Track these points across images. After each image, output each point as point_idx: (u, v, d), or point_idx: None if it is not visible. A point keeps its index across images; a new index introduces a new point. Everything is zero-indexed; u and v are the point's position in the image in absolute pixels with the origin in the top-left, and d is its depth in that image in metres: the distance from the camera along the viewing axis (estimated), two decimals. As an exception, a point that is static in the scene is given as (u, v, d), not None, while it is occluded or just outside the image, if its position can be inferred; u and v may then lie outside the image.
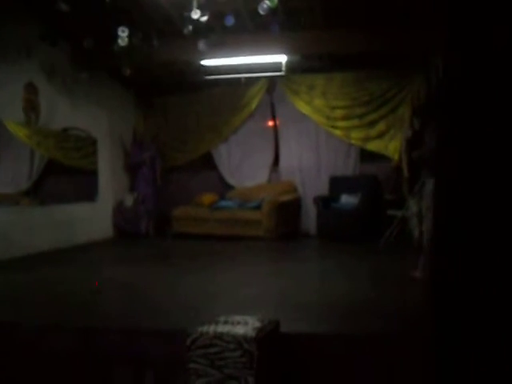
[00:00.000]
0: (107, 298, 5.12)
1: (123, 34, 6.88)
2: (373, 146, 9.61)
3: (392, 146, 9.39)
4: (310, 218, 9.82)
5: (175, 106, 10.84)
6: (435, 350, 2.76)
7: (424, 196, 7.45)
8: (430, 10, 5.62)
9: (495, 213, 2.55)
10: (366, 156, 9.84)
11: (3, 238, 7.19)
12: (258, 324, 3.27)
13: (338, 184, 9.48)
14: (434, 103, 8.26)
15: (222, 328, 3.21)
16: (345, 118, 9.75)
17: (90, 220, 9.38)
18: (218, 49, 7.84)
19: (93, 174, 9.58)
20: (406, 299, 4.67)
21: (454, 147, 2.66)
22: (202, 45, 7.46)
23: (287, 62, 8.87)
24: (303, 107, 9.95)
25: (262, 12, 6.56)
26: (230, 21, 7.15)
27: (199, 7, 6.40)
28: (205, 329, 3.22)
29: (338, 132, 9.77)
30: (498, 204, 2.54)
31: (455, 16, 2.64)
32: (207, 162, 10.83)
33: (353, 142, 9.73)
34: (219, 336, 3.15)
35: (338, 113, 9.76)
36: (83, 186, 9.52)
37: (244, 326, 3.24)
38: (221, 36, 7.75)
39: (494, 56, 2.55)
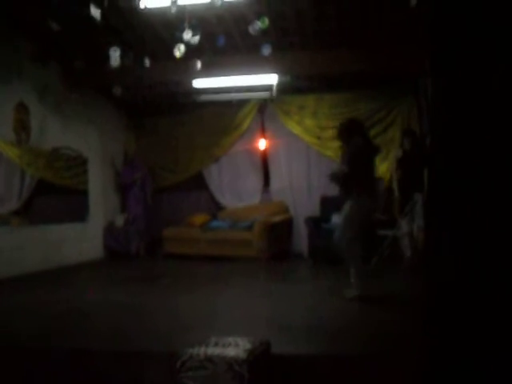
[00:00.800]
0: (98, 319, 5.07)
1: (115, 54, 6.89)
2: (364, 167, 9.64)
3: (383, 167, 9.42)
4: (301, 238, 9.80)
5: (166, 127, 10.85)
6: (426, 370, 2.75)
7: (415, 216, 7.50)
8: (419, 31, 5.68)
9: (488, 229, 2.55)
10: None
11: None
12: (249, 345, 3.23)
13: (329, 204, 9.47)
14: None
15: (212, 350, 3.17)
16: (336, 138, 9.77)
17: (81, 240, 9.32)
18: (209, 69, 7.87)
19: (83, 194, 9.55)
20: (396, 319, 4.65)
21: (444, 165, 2.67)
22: (193, 65, 7.49)
23: (278, 83, 8.93)
24: (294, 127, 9.99)
25: (253, 33, 6.60)
26: (221, 41, 7.19)
27: (191, 28, 6.43)
28: (195, 351, 3.17)
29: (328, 152, 9.80)
30: (491, 220, 2.55)
31: (438, 38, 2.67)
32: (198, 182, 10.81)
33: (344, 162, 9.75)
34: (210, 358, 3.11)
35: (329, 133, 9.79)
36: (74, 205, 9.47)
37: (235, 347, 3.20)
38: (212, 57, 7.80)
39: (479, 77, 2.57)
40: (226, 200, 10.61)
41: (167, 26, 7.28)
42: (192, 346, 3.23)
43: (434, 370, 2.67)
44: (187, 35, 6.44)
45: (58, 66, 8.61)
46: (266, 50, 7.30)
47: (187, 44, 6.59)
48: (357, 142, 5.70)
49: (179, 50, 6.70)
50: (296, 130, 9.98)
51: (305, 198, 10.05)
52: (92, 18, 5.87)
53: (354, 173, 5.55)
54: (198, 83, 8.82)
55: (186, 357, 3.16)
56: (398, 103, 9.46)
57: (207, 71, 7.94)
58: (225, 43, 7.31)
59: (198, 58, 7.46)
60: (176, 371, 3.17)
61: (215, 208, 10.65)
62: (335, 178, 5.85)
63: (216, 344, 3.26)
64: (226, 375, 3.06)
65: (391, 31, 7.37)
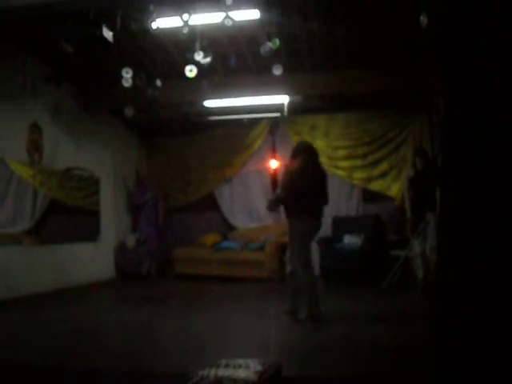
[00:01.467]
0: (109, 340, 5.05)
1: (127, 75, 6.94)
2: (375, 186, 9.60)
3: (395, 186, 9.38)
4: (313, 258, 9.73)
5: (178, 147, 10.88)
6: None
7: (428, 236, 7.44)
8: (431, 50, 5.68)
9: (501, 250, 2.52)
10: (368, 196, 9.81)
11: (5, 277, 7.14)
12: (259, 367, 3.19)
13: (341, 224, 9.44)
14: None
15: (223, 372, 3.13)
16: (347, 158, 9.77)
17: (92, 260, 9.32)
18: (220, 90, 7.91)
19: (95, 214, 9.57)
20: (408, 340, 4.59)
21: (456, 185, 2.65)
22: (204, 86, 7.55)
23: (289, 103, 8.94)
24: (305, 147, 9.97)
25: (264, 54, 6.63)
26: (232, 61, 7.23)
27: (202, 49, 6.47)
28: (205, 372, 3.14)
29: (340, 172, 9.76)
30: (504, 241, 2.52)
31: (449, 56, 2.67)
32: (210, 203, 10.80)
33: (355, 182, 9.72)
34: (220, 380, 3.07)
35: (341, 153, 9.78)
36: (85, 226, 9.48)
37: (245, 369, 3.16)
38: (224, 77, 7.84)
39: (490, 93, 2.56)
40: (238, 220, 10.58)
41: (179, 46, 7.34)
42: (202, 368, 3.20)
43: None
44: (199, 56, 6.49)
45: (71, 87, 8.68)
46: (277, 71, 7.33)
47: (199, 65, 6.64)
48: (296, 164, 5.75)
49: (191, 71, 6.74)
50: (307, 150, 9.97)
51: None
52: (105, 40, 5.92)
53: (293, 195, 5.66)
54: (210, 103, 8.86)
55: (196, 378, 3.12)
56: (410, 122, 9.43)
57: (219, 91, 7.98)
58: (236, 63, 7.35)
59: (210, 79, 7.51)
60: (186, 393, 3.14)
61: (226, 228, 10.62)
62: (273, 204, 5.99)
63: (227, 366, 3.23)
64: (236, 397, 3.02)
65: (402, 50, 7.38)
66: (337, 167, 9.81)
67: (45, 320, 5.92)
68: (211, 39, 6.82)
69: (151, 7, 5.92)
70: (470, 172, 2.61)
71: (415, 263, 7.74)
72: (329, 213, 9.78)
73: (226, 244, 9.81)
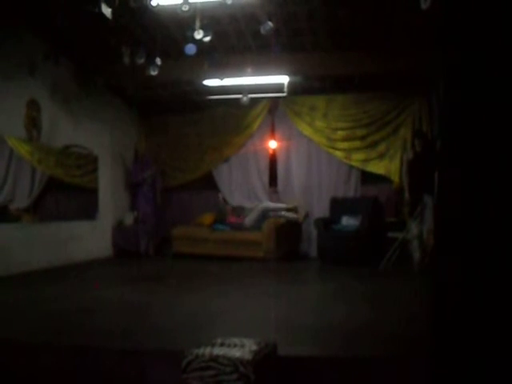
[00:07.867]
0: (104, 317, 5.07)
1: (126, 52, 6.90)
2: (373, 168, 9.57)
3: (392, 168, 9.37)
4: (310, 239, 9.77)
5: (177, 126, 10.85)
6: (434, 373, 2.72)
7: (425, 219, 7.46)
8: (431, 33, 5.64)
9: (497, 232, 2.53)
10: (367, 178, 9.80)
11: (2, 254, 7.17)
12: (254, 347, 3.21)
13: (339, 206, 9.44)
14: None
15: (218, 350, 3.15)
16: (346, 139, 9.74)
17: (90, 238, 9.34)
18: (220, 69, 7.86)
19: (93, 192, 9.57)
20: (405, 322, 4.61)
21: (455, 168, 2.64)
22: (205, 65, 7.50)
23: (289, 83, 8.90)
24: (304, 128, 9.95)
25: (264, 33, 6.58)
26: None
27: (202, 27, 6.42)
28: (201, 351, 3.15)
29: (338, 153, 9.75)
30: (500, 223, 2.52)
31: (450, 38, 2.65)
32: (208, 182, 10.80)
33: (353, 163, 9.70)
34: (215, 359, 3.09)
35: (340, 134, 9.75)
36: (83, 203, 9.49)
37: (241, 348, 3.18)
38: (223, 56, 7.79)
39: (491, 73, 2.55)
40: (235, 200, 10.59)
41: (179, 24, 7.28)
42: (198, 346, 3.21)
43: (443, 374, 2.64)
44: (199, 35, 6.44)
45: (70, 64, 8.63)
46: (277, 51, 7.28)
47: (198, 43, 6.59)
48: None
49: (190, 50, 6.69)
50: (307, 131, 9.94)
51: (315, 198, 10.01)
52: (103, 17, 5.87)
53: None
54: (209, 82, 8.81)
55: (191, 357, 3.14)
56: (409, 104, 9.39)
57: (218, 71, 7.93)
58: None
59: (210, 57, 7.47)
60: (181, 371, 3.15)
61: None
62: None
63: (222, 344, 3.24)
64: (231, 376, 3.04)
65: (403, 33, 7.33)
66: (335, 148, 9.79)
67: (40, 297, 5.93)
68: (211, 17, 6.76)
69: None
70: (468, 156, 2.61)
71: (412, 245, 7.76)
72: (327, 193, 9.84)
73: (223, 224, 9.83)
